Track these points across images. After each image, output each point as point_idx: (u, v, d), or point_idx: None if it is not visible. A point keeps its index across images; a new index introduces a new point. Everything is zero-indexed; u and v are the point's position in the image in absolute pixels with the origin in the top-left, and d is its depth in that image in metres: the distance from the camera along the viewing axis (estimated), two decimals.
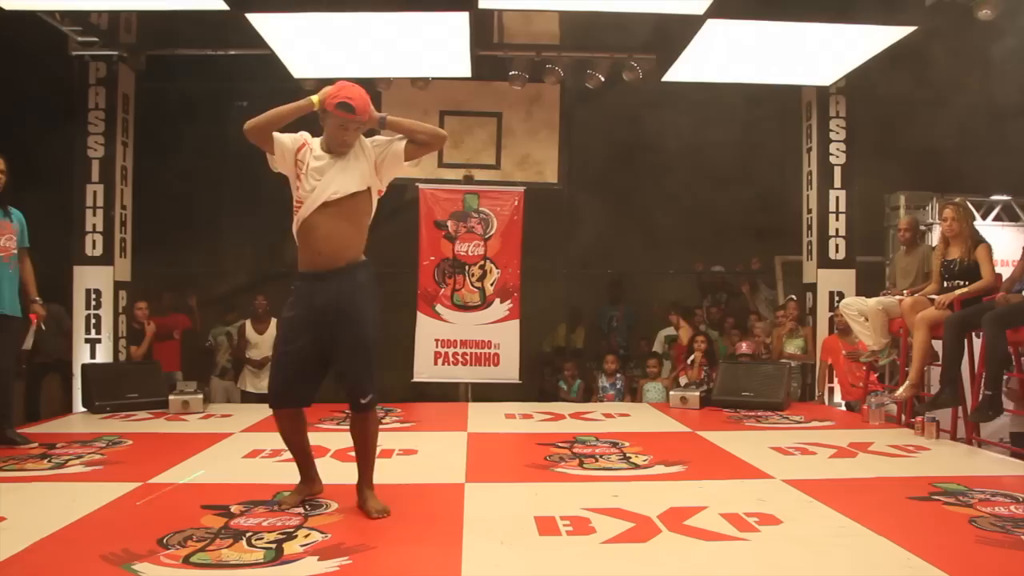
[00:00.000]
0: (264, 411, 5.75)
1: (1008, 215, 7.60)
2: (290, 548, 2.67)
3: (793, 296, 7.65)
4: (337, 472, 3.63)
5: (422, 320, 7.32)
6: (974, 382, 4.80)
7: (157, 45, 7.00)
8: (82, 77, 6.93)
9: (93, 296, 6.88)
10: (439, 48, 6.10)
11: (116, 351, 6.92)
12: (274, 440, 4.34)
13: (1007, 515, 3.06)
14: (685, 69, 6.45)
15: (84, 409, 5.99)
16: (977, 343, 4.79)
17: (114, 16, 6.67)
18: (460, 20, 5.49)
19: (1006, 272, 5.14)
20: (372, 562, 2.57)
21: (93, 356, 6.82)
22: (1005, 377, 4.87)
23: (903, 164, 7.89)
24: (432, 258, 7.38)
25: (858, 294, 6.57)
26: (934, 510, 3.20)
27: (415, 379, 7.28)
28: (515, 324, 7.35)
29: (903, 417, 5.37)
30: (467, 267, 7.38)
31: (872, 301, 5.63)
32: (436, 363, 7.30)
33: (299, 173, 3.02)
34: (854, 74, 6.70)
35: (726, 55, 6.15)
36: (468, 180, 7.55)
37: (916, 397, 5.18)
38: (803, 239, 7.51)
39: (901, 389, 5.07)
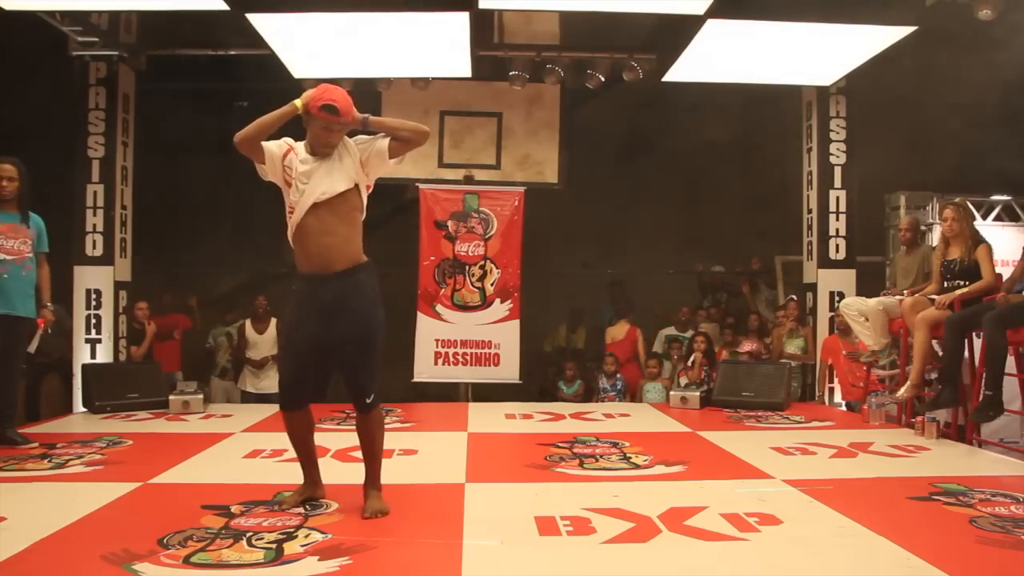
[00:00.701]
0: (264, 411, 5.80)
1: (1008, 215, 7.60)
2: (290, 548, 2.66)
3: (793, 296, 7.65)
4: (337, 472, 3.63)
5: (422, 320, 7.33)
6: (974, 382, 4.80)
7: (157, 45, 6.99)
8: (82, 77, 6.93)
9: (93, 296, 6.88)
10: (439, 48, 6.10)
11: (116, 351, 6.92)
12: (274, 440, 4.37)
13: (1007, 515, 3.06)
14: (685, 69, 6.44)
15: (84, 409, 5.99)
16: (977, 343, 4.79)
17: (114, 16, 6.65)
18: (460, 20, 5.49)
19: (1006, 272, 5.14)
20: (372, 562, 2.57)
21: (93, 356, 6.82)
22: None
23: (903, 164, 7.89)
24: (432, 258, 7.38)
25: (858, 294, 6.56)
26: (934, 510, 3.19)
27: (415, 379, 7.29)
28: (515, 324, 7.35)
29: (903, 417, 5.37)
30: (467, 267, 7.38)
31: (872, 301, 5.62)
32: (436, 363, 7.31)
33: (288, 179, 3.03)
34: (854, 74, 6.69)
35: (726, 55, 6.14)
36: (468, 180, 7.55)
37: (916, 397, 5.18)
38: (803, 239, 7.51)
39: (902, 389, 5.07)
